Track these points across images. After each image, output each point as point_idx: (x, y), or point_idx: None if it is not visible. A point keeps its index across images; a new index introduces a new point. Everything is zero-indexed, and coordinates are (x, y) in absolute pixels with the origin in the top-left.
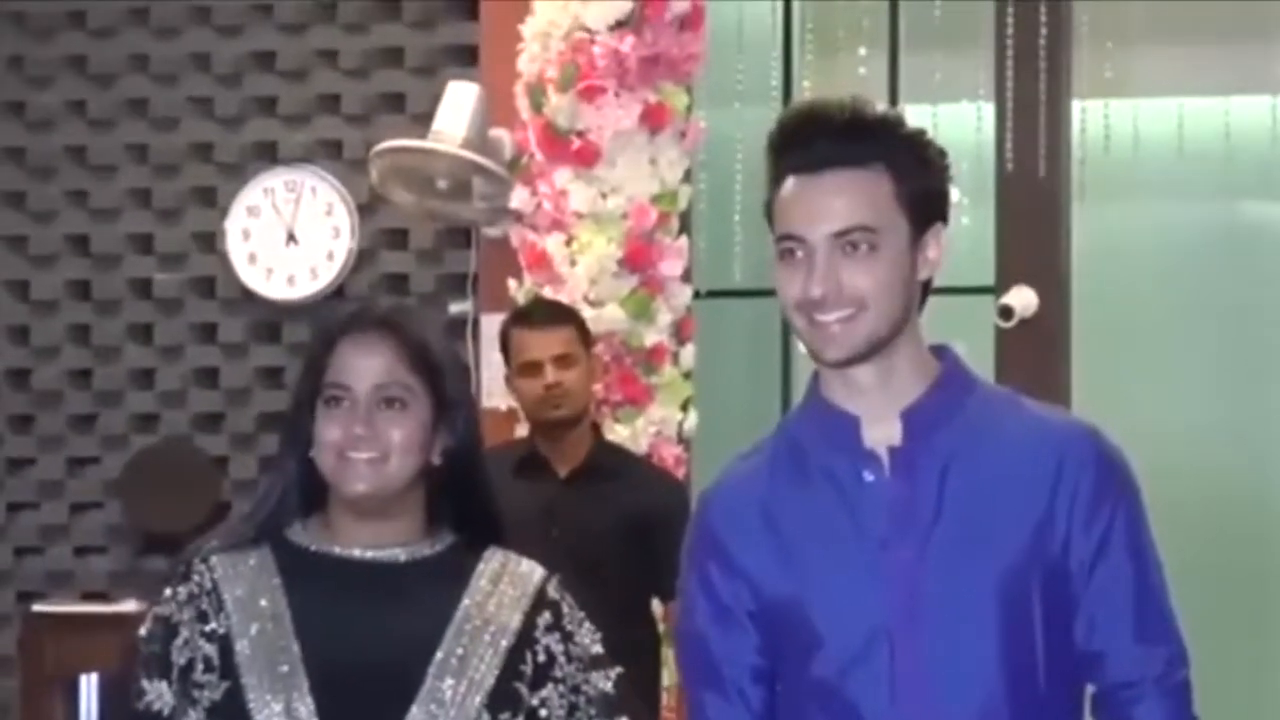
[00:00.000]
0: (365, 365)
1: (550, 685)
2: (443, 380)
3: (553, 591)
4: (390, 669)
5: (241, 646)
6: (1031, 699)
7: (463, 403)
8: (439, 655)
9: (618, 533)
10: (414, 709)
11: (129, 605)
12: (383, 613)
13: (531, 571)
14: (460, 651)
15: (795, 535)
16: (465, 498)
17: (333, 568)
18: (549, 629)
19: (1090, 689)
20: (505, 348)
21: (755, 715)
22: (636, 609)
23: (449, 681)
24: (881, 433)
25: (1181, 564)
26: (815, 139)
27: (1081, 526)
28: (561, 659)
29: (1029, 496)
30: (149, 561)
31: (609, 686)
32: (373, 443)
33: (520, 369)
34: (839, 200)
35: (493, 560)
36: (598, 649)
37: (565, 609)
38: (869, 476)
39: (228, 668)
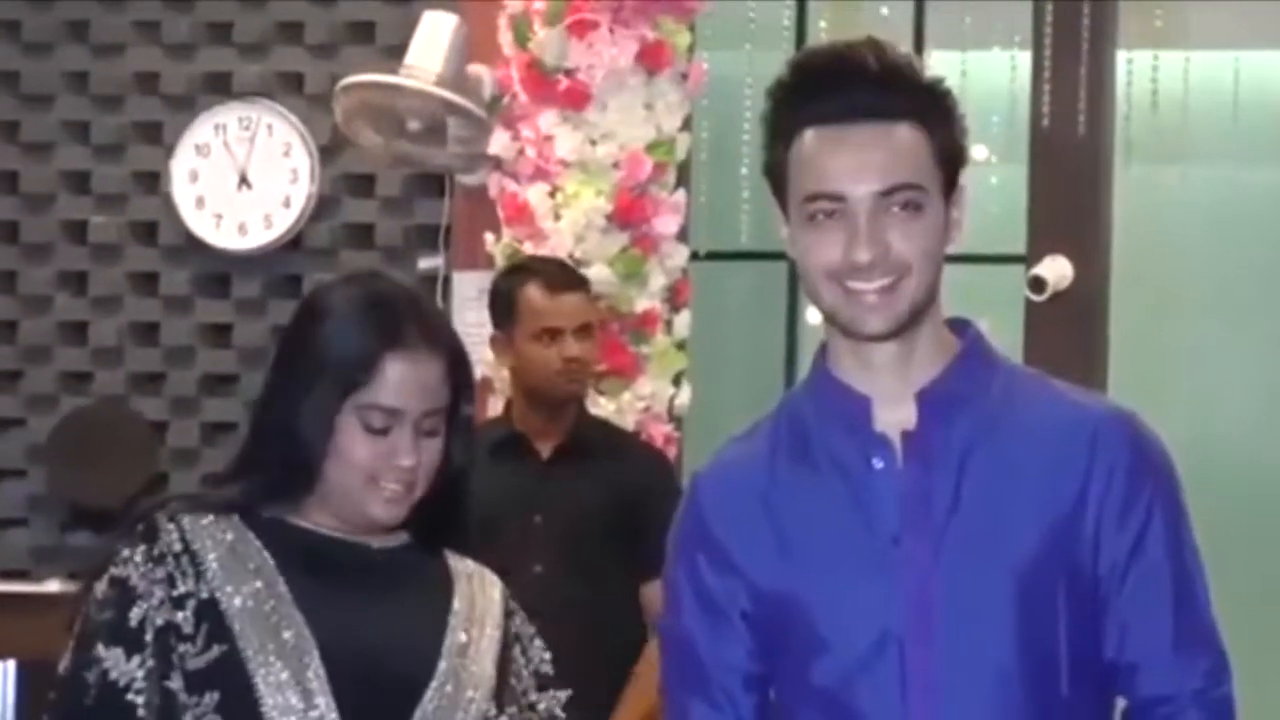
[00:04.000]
0: (418, 390)
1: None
2: (468, 400)
3: (511, 602)
4: (405, 648)
5: (232, 610)
6: (1054, 712)
7: (473, 416)
8: (449, 639)
9: (606, 516)
10: (428, 695)
11: (52, 585)
12: (382, 596)
13: (494, 579)
14: (465, 639)
15: (797, 528)
16: (448, 508)
17: (316, 544)
18: (513, 639)
19: (1121, 702)
20: (509, 306)
21: None
22: (629, 603)
23: (461, 661)
24: (895, 416)
25: (1229, 566)
26: (847, 87)
27: (1114, 523)
28: (523, 673)
29: (1056, 489)
30: (75, 537)
31: (558, 710)
32: (413, 472)
33: (536, 334)
34: (880, 155)
35: (460, 563)
36: (548, 668)
37: (519, 620)
38: (879, 464)
39: (215, 633)
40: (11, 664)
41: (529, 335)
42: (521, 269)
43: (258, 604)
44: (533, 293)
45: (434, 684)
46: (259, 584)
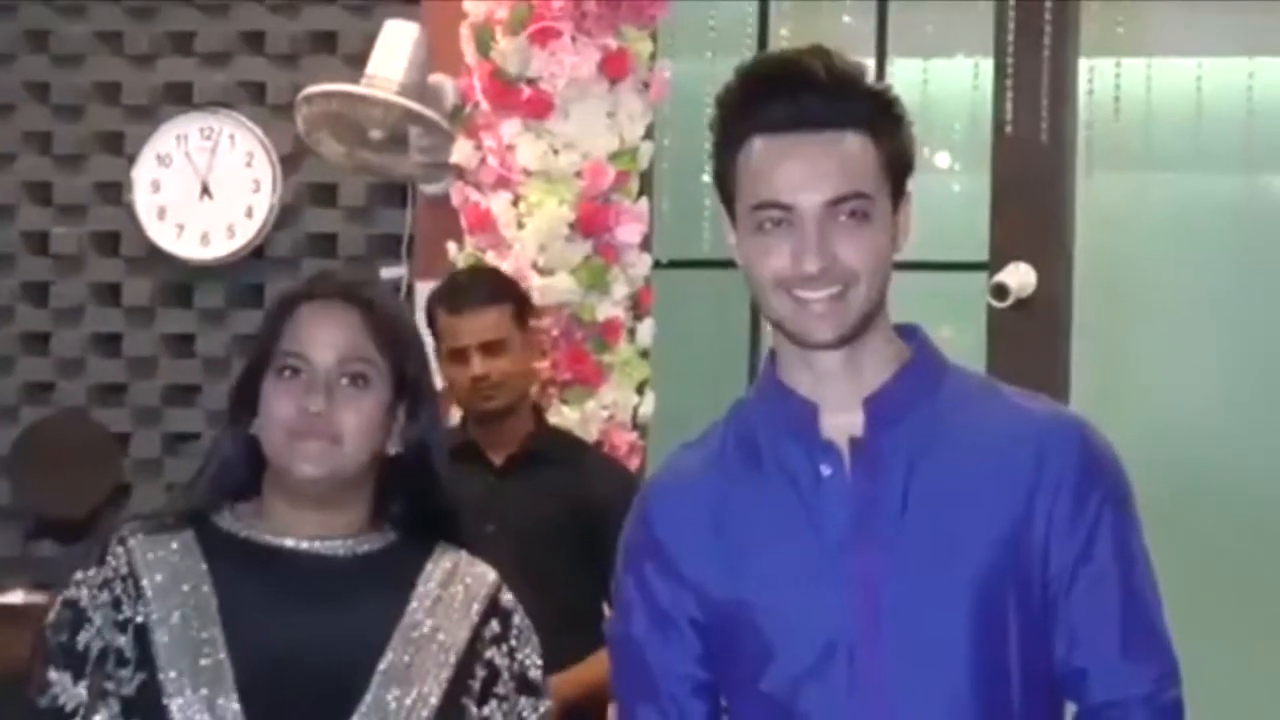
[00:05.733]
0: (328, 335)
1: (494, 702)
2: (408, 359)
3: (506, 600)
4: (329, 673)
5: (160, 636)
6: (1005, 718)
7: (426, 387)
8: (385, 663)
9: (561, 528)
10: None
11: (16, 596)
12: (322, 611)
13: (485, 575)
14: (407, 660)
15: (745, 535)
16: (421, 493)
17: (266, 557)
18: (495, 640)
19: (1071, 708)
20: (433, 326)
21: None
22: (586, 616)
23: (395, 692)
24: (843, 422)
25: (1189, 570)
26: (796, 95)
27: (1063, 529)
28: (505, 674)
29: (1005, 495)
30: (39, 547)
31: (532, 717)
32: (329, 423)
33: (448, 355)
34: (830, 164)
35: (443, 560)
36: (535, 674)
37: (515, 620)
38: (827, 471)
39: (144, 659)
40: None
41: (445, 356)
42: (439, 288)
43: (184, 628)
44: (441, 314)
45: (361, 710)
46: (191, 606)
